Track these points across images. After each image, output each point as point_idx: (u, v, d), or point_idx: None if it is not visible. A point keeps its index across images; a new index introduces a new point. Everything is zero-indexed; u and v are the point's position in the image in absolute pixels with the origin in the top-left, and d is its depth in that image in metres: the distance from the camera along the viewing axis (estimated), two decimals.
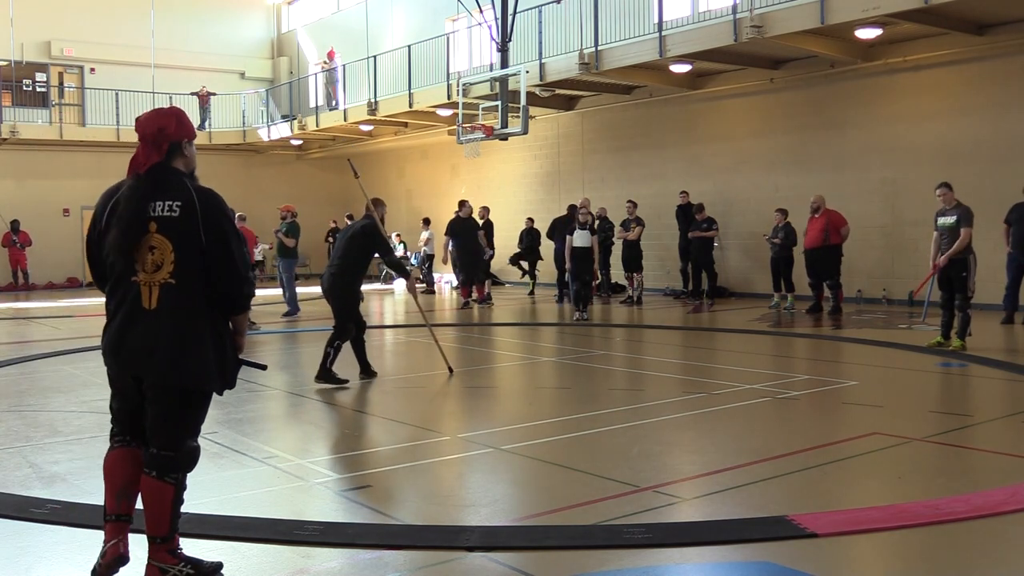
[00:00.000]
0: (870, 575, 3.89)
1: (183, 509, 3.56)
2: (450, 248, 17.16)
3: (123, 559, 3.49)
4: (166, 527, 3.46)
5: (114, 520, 3.50)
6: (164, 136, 3.52)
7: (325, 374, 8.20)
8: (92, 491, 4.89)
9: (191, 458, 3.52)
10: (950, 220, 9.64)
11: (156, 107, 3.78)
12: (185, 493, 3.53)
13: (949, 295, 9.77)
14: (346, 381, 8.21)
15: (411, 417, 6.99)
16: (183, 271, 3.41)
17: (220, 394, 3.58)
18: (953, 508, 4.33)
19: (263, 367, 3.89)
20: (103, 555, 3.47)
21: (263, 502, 4.78)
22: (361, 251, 8.49)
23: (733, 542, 3.97)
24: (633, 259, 16.57)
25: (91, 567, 3.50)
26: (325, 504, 4.80)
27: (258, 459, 5.61)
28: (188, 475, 3.53)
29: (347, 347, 8.42)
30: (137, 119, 3.62)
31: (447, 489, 5.15)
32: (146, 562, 3.48)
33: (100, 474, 5.24)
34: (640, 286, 16.52)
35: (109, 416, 3.64)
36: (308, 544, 3.99)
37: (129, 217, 3.43)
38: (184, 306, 3.42)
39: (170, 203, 3.43)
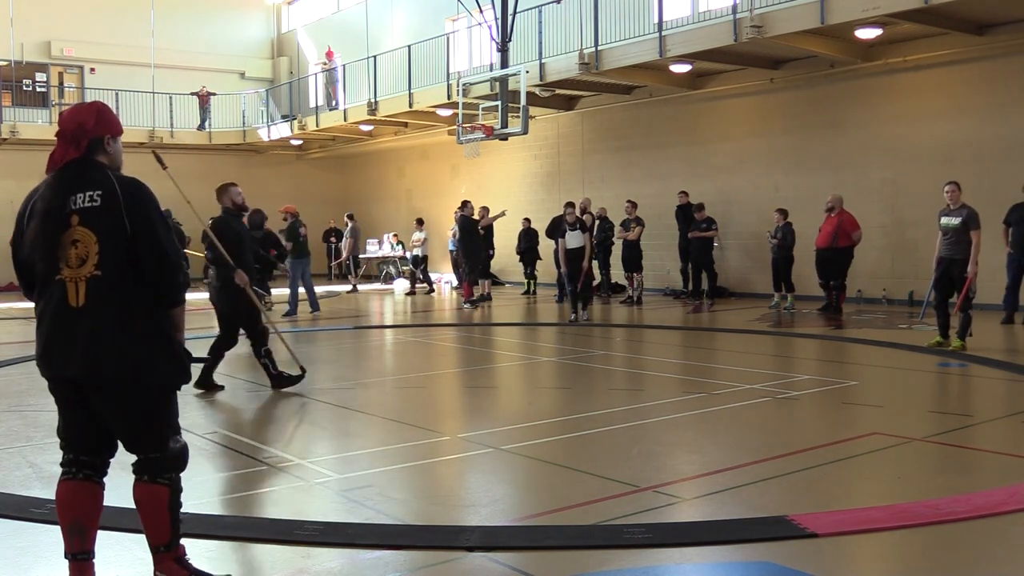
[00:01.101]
0: (870, 575, 3.89)
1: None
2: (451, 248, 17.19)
3: None
4: (167, 533, 3.34)
5: (71, 559, 3.33)
6: (83, 132, 3.40)
7: (278, 380, 7.98)
8: None
9: (179, 457, 3.40)
10: (954, 221, 9.52)
11: (78, 104, 3.69)
12: (182, 496, 3.43)
13: (944, 296, 9.75)
14: (302, 375, 8.11)
15: (411, 417, 6.99)
16: (109, 262, 3.23)
17: (176, 387, 3.41)
18: (953, 508, 4.33)
19: (202, 361, 3.76)
20: None
21: (263, 502, 4.78)
22: (229, 249, 7.77)
23: (733, 542, 3.97)
24: (633, 259, 16.57)
25: None
26: (325, 504, 4.80)
27: (258, 459, 5.61)
28: (182, 477, 3.44)
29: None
30: (60, 115, 3.51)
31: (447, 489, 5.15)
32: (152, 574, 3.40)
33: None
34: (640, 286, 16.53)
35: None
36: (308, 544, 3.99)
37: (47, 211, 3.27)
38: (114, 298, 3.24)
39: (91, 193, 3.27)
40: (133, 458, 3.45)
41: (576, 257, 13.59)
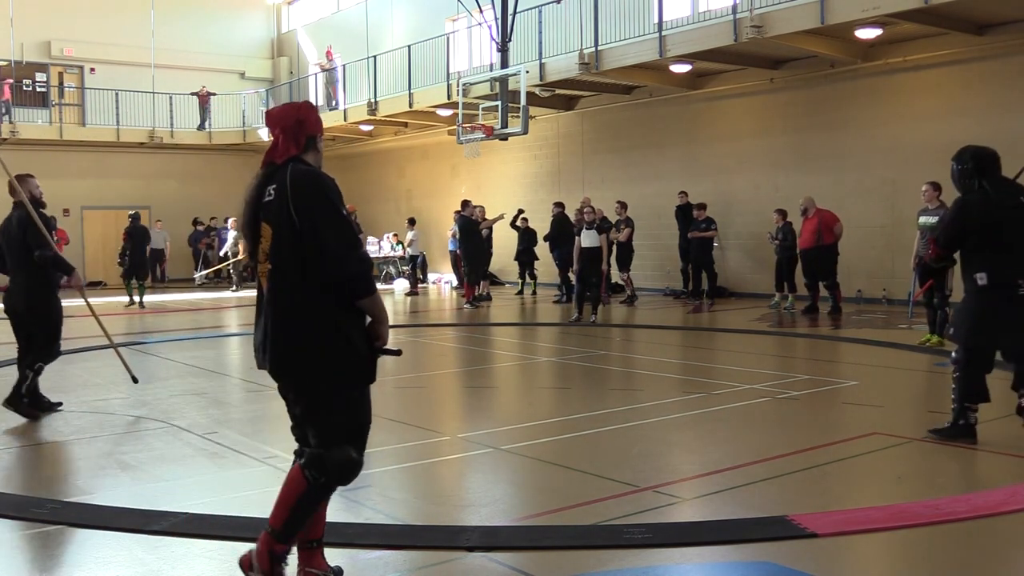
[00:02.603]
0: (870, 575, 3.89)
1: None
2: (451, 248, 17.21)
3: None
4: (280, 519, 3.29)
5: (298, 546, 3.40)
6: (301, 128, 3.38)
7: (17, 401, 6.78)
8: (92, 491, 4.90)
9: (340, 466, 3.28)
10: (931, 220, 9.50)
11: (290, 101, 3.74)
12: (318, 505, 3.35)
13: (931, 295, 9.82)
14: (57, 405, 7.12)
15: (411, 417, 6.98)
16: (280, 257, 3.23)
17: (352, 391, 3.31)
18: (953, 508, 4.33)
19: (398, 352, 3.52)
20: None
21: (263, 502, 4.76)
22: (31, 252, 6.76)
23: (733, 542, 3.97)
24: (623, 259, 16.55)
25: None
26: None
27: (258, 459, 5.60)
28: (331, 486, 3.34)
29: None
30: (269, 111, 3.47)
31: (447, 489, 5.15)
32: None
33: (99, 474, 5.26)
34: (630, 285, 16.53)
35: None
36: None
37: (245, 205, 3.35)
38: (287, 293, 3.23)
39: (270, 188, 3.29)
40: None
41: (590, 257, 13.43)
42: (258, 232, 3.30)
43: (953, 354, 5.93)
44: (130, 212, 19.20)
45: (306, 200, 3.22)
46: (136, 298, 17.93)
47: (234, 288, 22.29)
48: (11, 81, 24.67)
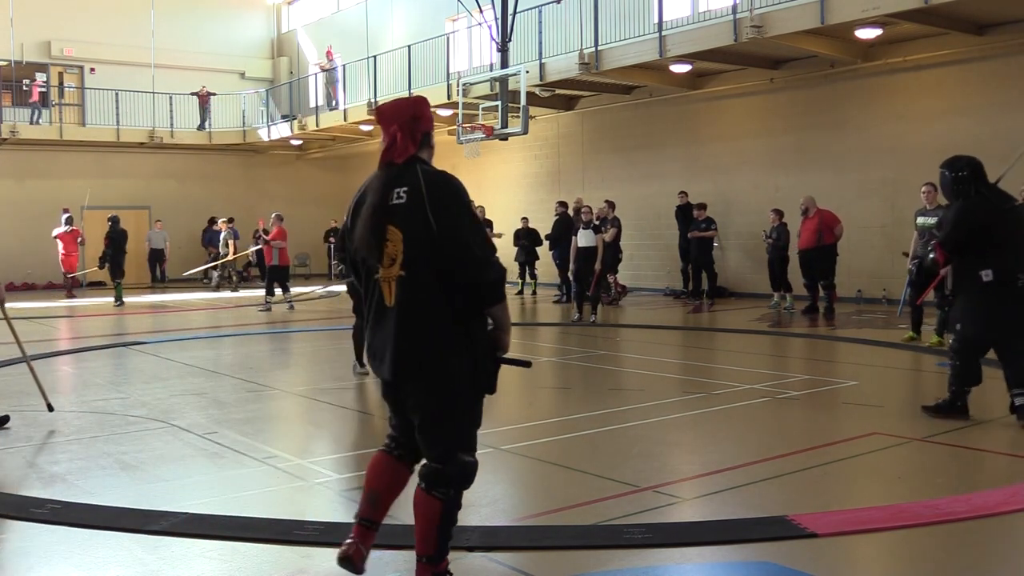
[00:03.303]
0: (870, 575, 3.89)
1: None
2: None
3: (352, 564, 3.34)
4: (432, 546, 3.24)
5: (357, 522, 3.39)
6: (417, 126, 3.29)
7: None
8: (92, 491, 4.89)
9: (462, 474, 3.24)
10: (930, 221, 9.48)
11: (401, 97, 3.49)
12: (459, 513, 3.32)
13: (921, 294, 9.78)
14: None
15: None
16: (414, 261, 3.13)
17: (478, 398, 3.27)
18: (953, 508, 4.33)
19: (527, 364, 3.47)
20: (344, 549, 3.37)
21: (263, 502, 4.78)
22: None
23: (733, 542, 3.97)
24: (610, 260, 16.46)
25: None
26: (325, 504, 4.80)
27: (258, 459, 5.60)
28: (460, 494, 3.31)
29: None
30: (382, 108, 3.35)
31: None
32: None
33: (99, 474, 5.26)
34: (616, 286, 16.56)
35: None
36: (308, 544, 3.99)
37: (373, 207, 3.20)
38: (419, 299, 3.13)
39: (399, 190, 3.17)
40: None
41: (587, 256, 13.46)
42: (384, 235, 3.18)
43: (952, 342, 6.36)
44: (109, 216, 19.17)
45: (443, 203, 3.13)
46: (115, 298, 18.18)
47: (214, 287, 22.40)
48: (40, 84, 24.88)
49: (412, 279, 3.14)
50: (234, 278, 23.31)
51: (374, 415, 7.24)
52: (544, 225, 18.18)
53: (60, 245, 20.76)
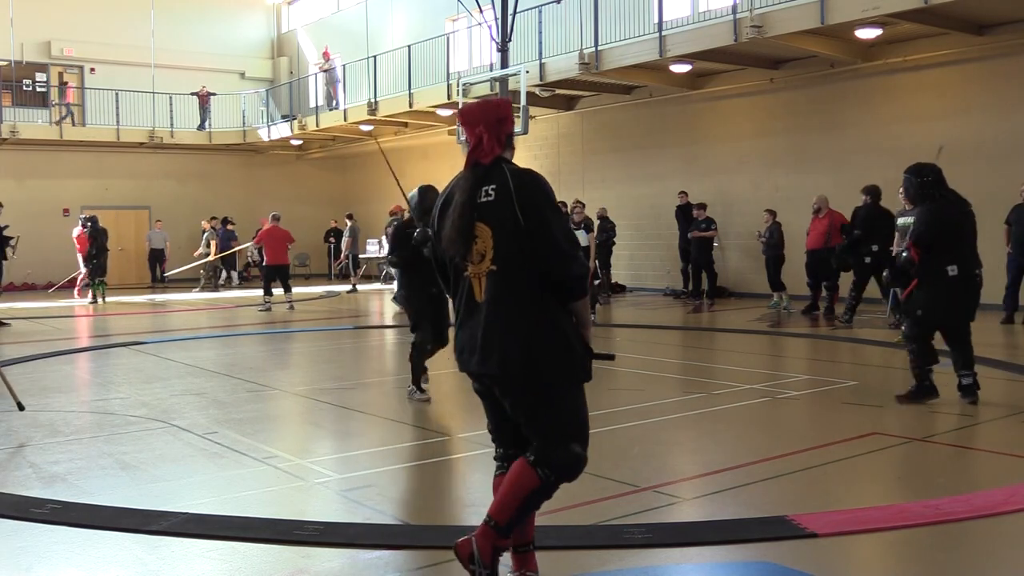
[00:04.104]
0: (870, 575, 3.89)
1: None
2: None
3: None
4: (507, 515, 3.22)
5: (512, 551, 3.40)
6: (502, 127, 3.35)
7: None
8: (92, 491, 4.90)
9: (568, 463, 3.23)
10: (911, 220, 9.62)
11: (485, 98, 3.60)
12: (544, 502, 3.28)
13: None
14: None
15: (411, 417, 6.99)
16: (504, 257, 3.19)
17: (574, 389, 3.29)
18: (953, 508, 4.33)
19: (612, 357, 3.51)
20: None
21: (263, 502, 4.78)
22: None
23: (733, 542, 3.97)
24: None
25: None
26: (325, 504, 4.80)
27: (258, 459, 5.60)
28: (558, 484, 3.25)
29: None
30: (467, 109, 3.42)
31: (447, 489, 5.15)
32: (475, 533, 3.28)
33: (99, 474, 5.26)
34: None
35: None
36: (308, 544, 3.99)
37: (462, 205, 3.25)
38: (510, 294, 3.19)
39: (487, 188, 3.25)
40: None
41: None
42: (472, 232, 3.23)
43: (908, 329, 7.00)
44: (88, 216, 19.11)
45: (531, 200, 3.21)
46: (99, 299, 18.22)
47: (199, 288, 22.43)
48: (73, 87, 25.03)
49: (502, 274, 3.21)
50: (213, 279, 23.34)
51: (374, 415, 7.24)
52: None
53: (78, 246, 20.79)
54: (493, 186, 3.25)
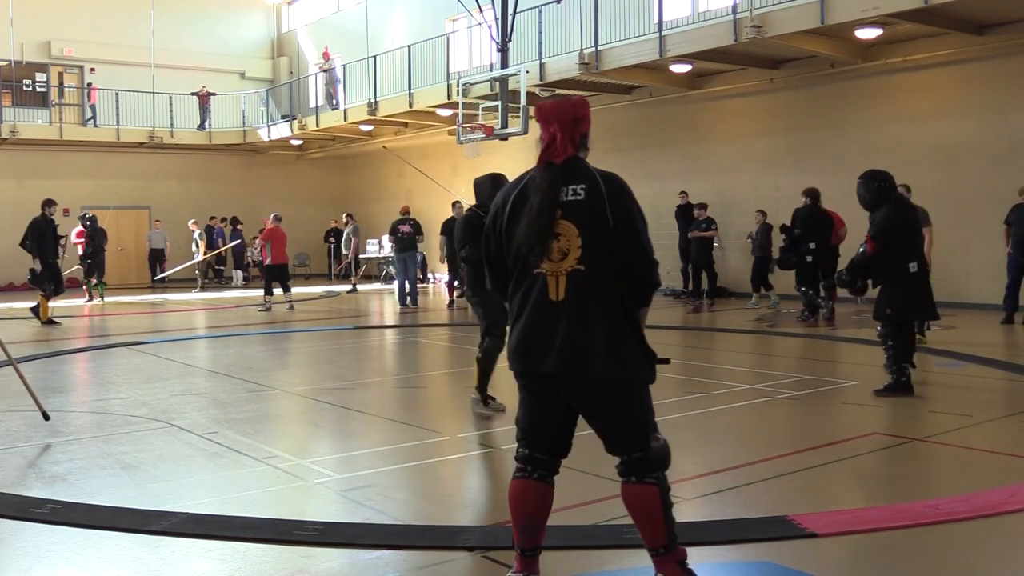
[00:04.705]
0: (870, 575, 3.89)
1: None
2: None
3: None
4: (663, 534, 3.20)
5: (519, 553, 3.37)
6: (578, 126, 3.34)
7: None
8: (92, 491, 4.89)
9: (662, 454, 3.27)
10: None
11: (564, 97, 3.46)
12: (671, 495, 3.28)
13: None
14: None
15: (411, 417, 6.99)
16: (590, 257, 3.16)
17: (649, 383, 3.31)
18: (953, 508, 4.33)
19: (666, 361, 3.50)
20: None
21: (263, 502, 4.78)
22: None
23: (733, 542, 3.97)
24: None
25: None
26: (325, 504, 4.80)
27: (258, 459, 5.60)
28: (665, 475, 3.29)
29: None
30: (543, 106, 3.37)
31: (447, 489, 5.15)
32: None
33: (99, 474, 5.26)
34: None
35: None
36: (308, 544, 3.98)
37: (542, 205, 3.21)
38: (594, 293, 3.17)
39: (574, 187, 3.23)
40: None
41: None
42: (554, 230, 3.19)
43: (883, 328, 7.29)
44: (89, 215, 19.12)
45: (622, 201, 3.23)
46: (98, 298, 18.25)
47: (198, 288, 22.46)
48: (97, 88, 25.10)
49: (587, 274, 3.18)
50: (215, 279, 23.38)
51: (374, 415, 7.24)
52: None
53: (79, 246, 20.80)
54: (582, 185, 3.24)
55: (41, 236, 14.42)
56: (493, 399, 6.86)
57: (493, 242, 3.39)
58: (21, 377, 6.83)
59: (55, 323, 14.47)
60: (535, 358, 3.23)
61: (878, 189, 7.37)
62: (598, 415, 3.27)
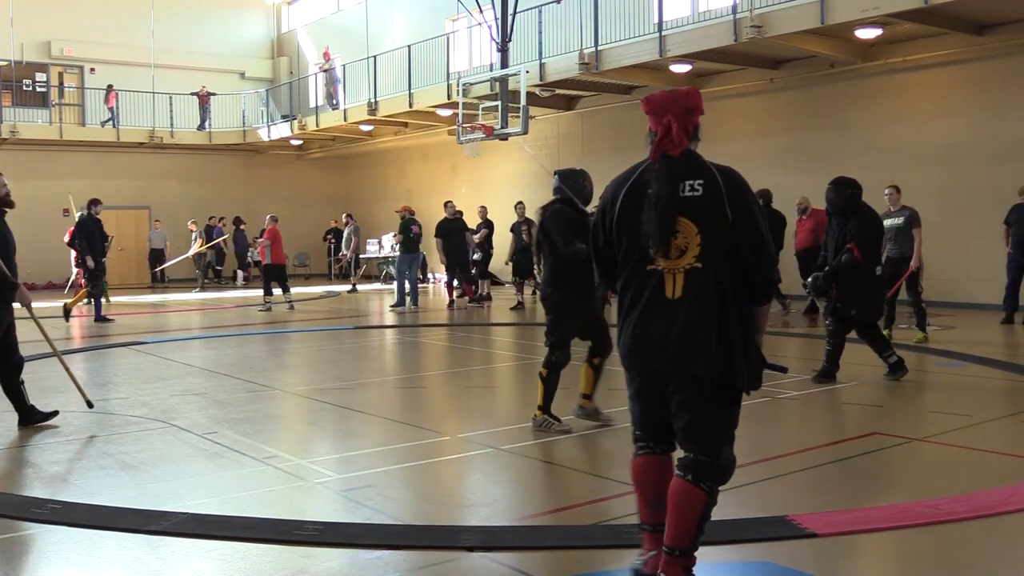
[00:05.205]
0: (870, 575, 3.89)
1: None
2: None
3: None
4: (688, 539, 3.17)
5: (651, 531, 3.33)
6: (690, 118, 3.29)
7: (29, 414, 6.63)
8: (92, 491, 4.90)
9: (728, 468, 3.22)
10: (898, 222, 10.32)
11: (670, 89, 3.39)
12: (713, 510, 3.23)
13: (892, 293, 10.35)
14: (56, 413, 6.77)
15: (411, 417, 6.99)
16: (709, 255, 3.11)
17: (748, 392, 3.23)
18: (953, 508, 4.33)
19: (784, 369, 3.44)
20: (644, 563, 3.32)
21: (263, 502, 4.78)
22: None
23: (733, 542, 3.96)
24: (473, 263, 16.70)
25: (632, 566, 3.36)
26: (325, 504, 4.80)
27: (258, 459, 5.60)
28: (719, 488, 3.23)
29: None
30: (654, 98, 3.32)
31: (447, 489, 5.15)
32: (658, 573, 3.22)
33: (99, 474, 5.26)
34: (482, 290, 16.72)
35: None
36: (308, 544, 3.99)
37: (664, 201, 3.14)
38: (711, 292, 3.11)
39: (692, 182, 3.16)
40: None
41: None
42: (675, 227, 3.14)
43: (834, 324, 7.85)
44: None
45: (741, 197, 3.16)
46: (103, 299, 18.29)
47: (198, 288, 22.47)
48: (115, 92, 25.14)
49: (705, 272, 3.13)
50: (200, 280, 23.41)
51: (374, 415, 7.24)
52: None
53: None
54: (700, 181, 3.17)
55: (89, 235, 14.64)
56: (558, 420, 6.28)
57: (602, 237, 3.34)
58: (66, 368, 7.06)
59: (109, 320, 14.81)
60: (649, 355, 3.20)
61: (851, 196, 7.71)
62: (688, 409, 3.17)
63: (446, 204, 17.20)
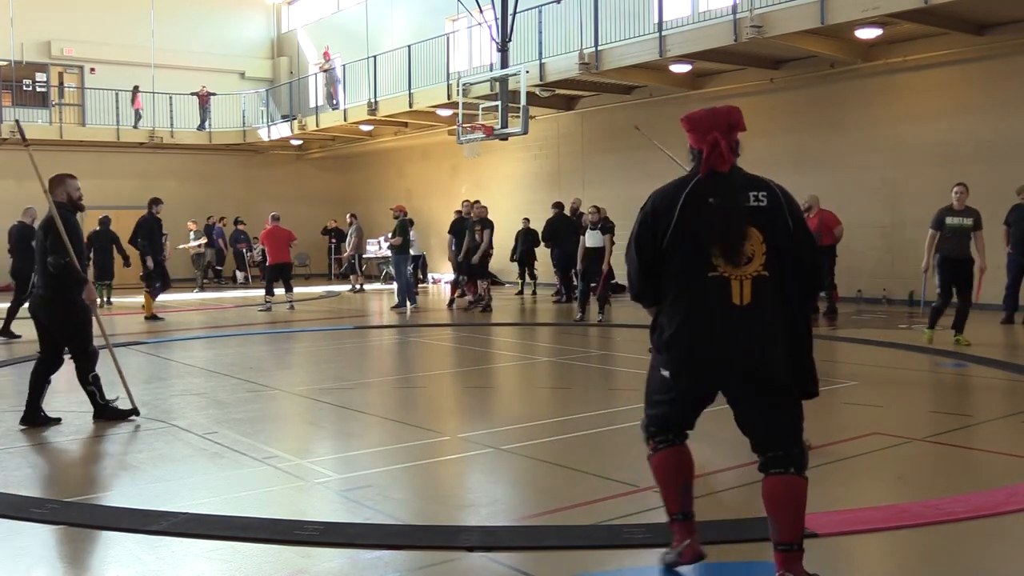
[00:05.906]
0: (870, 575, 3.89)
1: None
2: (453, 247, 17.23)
3: (702, 557, 3.53)
4: (802, 529, 3.30)
5: (682, 520, 3.52)
6: (734, 135, 3.44)
7: (103, 410, 6.72)
8: (92, 491, 4.90)
9: (807, 458, 3.43)
10: (967, 222, 9.74)
11: (708, 107, 3.52)
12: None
13: (950, 296, 10.01)
14: (132, 411, 6.81)
15: (411, 417, 6.99)
16: (774, 262, 3.27)
17: (811, 397, 3.46)
18: (953, 508, 4.33)
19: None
20: (680, 554, 3.52)
21: (263, 502, 4.78)
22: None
23: (733, 542, 3.97)
24: (471, 266, 16.31)
25: (666, 560, 3.59)
26: (325, 504, 4.80)
27: (258, 459, 5.60)
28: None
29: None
30: (696, 116, 3.45)
31: (447, 489, 5.15)
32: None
33: (99, 474, 5.26)
34: (488, 292, 16.25)
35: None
36: (308, 544, 3.99)
37: (733, 210, 3.29)
38: (776, 299, 3.28)
39: (756, 193, 3.36)
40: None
41: (595, 257, 13.55)
42: (746, 235, 3.27)
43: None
44: (100, 216, 19.12)
45: (796, 210, 3.38)
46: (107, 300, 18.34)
47: (198, 288, 22.49)
48: (140, 94, 25.21)
49: (772, 280, 3.28)
50: (200, 280, 23.43)
51: (374, 415, 7.24)
52: (542, 226, 18.18)
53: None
54: (763, 192, 3.37)
55: (150, 234, 14.75)
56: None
57: (649, 246, 3.41)
58: (117, 366, 7.14)
59: (159, 319, 14.82)
60: (712, 361, 3.34)
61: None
62: (766, 414, 3.38)
63: (463, 203, 17.26)
